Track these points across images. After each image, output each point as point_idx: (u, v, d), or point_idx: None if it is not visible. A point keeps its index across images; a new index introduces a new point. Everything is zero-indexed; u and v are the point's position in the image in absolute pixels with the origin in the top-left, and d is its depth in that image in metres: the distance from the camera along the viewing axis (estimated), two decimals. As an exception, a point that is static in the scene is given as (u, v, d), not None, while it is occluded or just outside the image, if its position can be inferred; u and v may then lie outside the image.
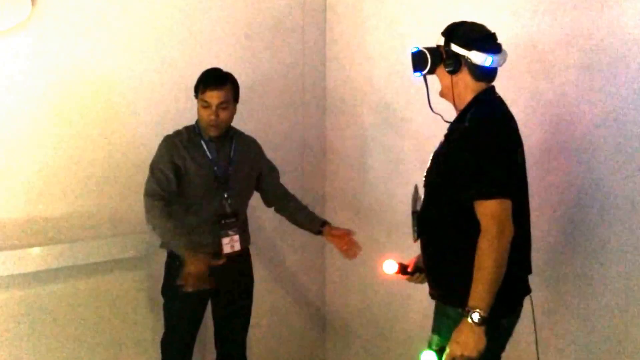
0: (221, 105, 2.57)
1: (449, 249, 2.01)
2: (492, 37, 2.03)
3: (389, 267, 2.27)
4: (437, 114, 2.13)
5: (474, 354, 1.86)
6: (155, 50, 2.98)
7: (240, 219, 2.73)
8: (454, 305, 1.97)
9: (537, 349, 2.17)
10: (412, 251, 2.29)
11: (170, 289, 2.66)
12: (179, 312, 2.73)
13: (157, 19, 2.98)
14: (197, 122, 2.67)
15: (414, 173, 2.23)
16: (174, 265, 2.70)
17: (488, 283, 1.84)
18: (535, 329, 2.17)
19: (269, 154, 2.92)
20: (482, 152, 1.89)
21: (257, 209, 3.02)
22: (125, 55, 2.90)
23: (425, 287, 2.18)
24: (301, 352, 3.68)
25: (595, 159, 2.41)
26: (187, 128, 2.69)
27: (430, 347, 2.01)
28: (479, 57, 1.97)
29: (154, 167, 2.62)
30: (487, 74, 2.02)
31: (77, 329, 2.79)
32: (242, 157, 2.74)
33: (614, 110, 2.34)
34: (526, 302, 2.09)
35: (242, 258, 2.80)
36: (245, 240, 2.78)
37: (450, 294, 2.02)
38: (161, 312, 2.76)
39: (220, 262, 2.57)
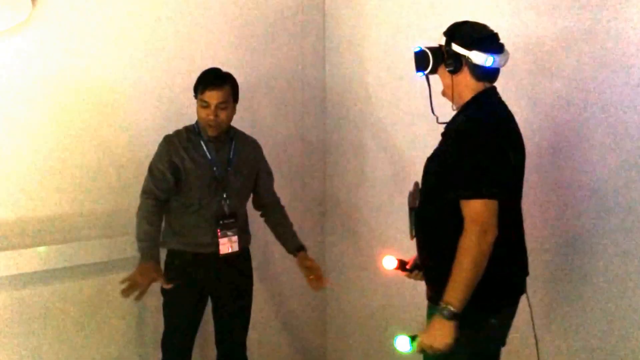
0: (220, 105, 2.57)
1: (441, 248, 2.01)
2: (493, 37, 2.02)
3: (389, 262, 2.31)
4: (435, 115, 2.13)
5: (441, 347, 1.89)
6: (155, 50, 2.98)
7: (240, 220, 2.73)
8: None
9: (537, 349, 2.16)
10: (412, 251, 2.29)
11: (170, 289, 2.65)
12: (178, 311, 2.73)
13: (157, 19, 2.98)
14: (197, 122, 2.67)
15: (414, 173, 2.23)
16: (172, 264, 2.71)
17: (463, 282, 1.86)
18: (534, 330, 2.17)
19: (269, 154, 2.92)
20: (471, 152, 1.90)
21: (258, 209, 3.02)
22: (125, 55, 2.90)
23: (425, 288, 2.18)
24: (301, 352, 3.68)
25: (595, 160, 2.40)
26: (186, 128, 2.70)
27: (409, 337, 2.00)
28: (479, 57, 1.97)
29: (152, 166, 2.64)
30: (488, 74, 2.02)
31: (76, 329, 2.79)
32: (242, 157, 2.74)
33: (614, 110, 2.34)
34: (525, 302, 2.10)
35: (242, 258, 2.80)
36: (244, 240, 2.78)
37: (439, 295, 2.01)
38: (161, 312, 2.77)
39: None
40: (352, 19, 3.45)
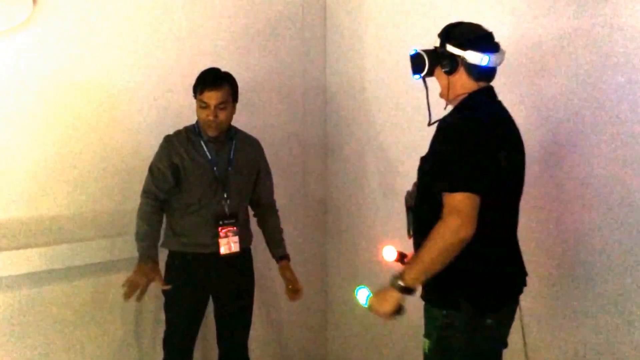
0: (219, 106, 2.56)
1: None
2: (488, 36, 2.03)
3: (389, 253, 2.34)
4: (430, 117, 2.12)
5: (380, 313, 1.96)
6: (156, 50, 2.98)
7: (240, 220, 2.73)
8: (439, 306, 1.99)
9: (525, 351, 2.15)
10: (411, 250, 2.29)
11: (171, 289, 2.65)
12: (179, 311, 2.73)
13: (157, 19, 2.98)
14: (197, 122, 2.67)
15: (415, 173, 2.23)
16: (173, 264, 2.71)
17: (425, 265, 1.88)
18: (522, 332, 2.17)
19: (270, 154, 2.91)
20: (455, 146, 1.89)
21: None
22: (126, 54, 2.90)
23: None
24: (302, 352, 3.68)
25: (595, 160, 2.40)
26: (187, 128, 2.70)
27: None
28: (475, 57, 1.97)
29: (152, 166, 2.65)
30: (484, 74, 2.02)
31: (76, 329, 2.79)
32: (242, 157, 2.74)
33: (613, 110, 2.33)
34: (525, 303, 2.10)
35: (243, 258, 2.80)
36: (245, 240, 2.78)
37: (434, 295, 2.03)
38: (160, 312, 2.77)
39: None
40: (353, 19, 3.45)
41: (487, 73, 2.03)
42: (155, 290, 2.71)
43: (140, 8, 2.93)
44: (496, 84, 2.09)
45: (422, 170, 2.07)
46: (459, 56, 1.99)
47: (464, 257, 1.91)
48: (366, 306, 2.03)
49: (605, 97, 2.36)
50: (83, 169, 2.82)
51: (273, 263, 2.88)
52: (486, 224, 1.91)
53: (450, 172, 1.88)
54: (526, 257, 2.14)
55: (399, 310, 1.95)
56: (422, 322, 2.07)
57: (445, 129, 1.96)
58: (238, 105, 2.68)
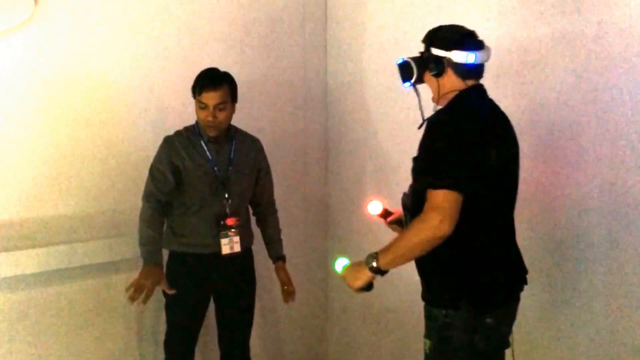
0: (218, 106, 2.56)
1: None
2: (471, 35, 2.04)
3: (374, 207, 2.40)
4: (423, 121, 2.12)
5: (350, 286, 2.04)
6: (156, 50, 2.98)
7: (241, 220, 2.73)
8: (438, 306, 1.99)
9: (512, 352, 2.15)
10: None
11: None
12: (181, 312, 2.73)
13: (157, 19, 2.98)
14: (196, 122, 2.67)
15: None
16: (174, 266, 2.71)
17: (400, 253, 1.92)
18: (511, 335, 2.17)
19: (270, 154, 2.91)
20: (439, 143, 1.90)
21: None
22: (127, 55, 2.90)
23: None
24: (302, 352, 3.68)
25: (592, 160, 2.40)
26: (187, 128, 2.69)
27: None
28: (460, 56, 1.98)
29: (153, 168, 2.64)
30: (472, 72, 2.02)
31: (76, 329, 2.79)
32: (242, 157, 2.73)
33: (610, 110, 2.34)
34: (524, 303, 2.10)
35: (244, 258, 2.79)
36: (246, 240, 2.77)
37: (433, 295, 2.03)
38: (161, 312, 2.76)
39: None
40: (353, 19, 3.45)
41: (475, 70, 2.03)
42: (156, 291, 2.71)
43: (141, 8, 2.93)
44: (490, 85, 2.09)
45: (414, 170, 2.08)
46: (445, 57, 2.00)
47: (464, 257, 1.91)
48: (340, 274, 2.12)
49: (602, 98, 2.36)
50: (83, 169, 2.82)
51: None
52: (483, 222, 1.91)
53: (434, 169, 1.89)
54: (526, 258, 2.14)
55: (368, 287, 2.03)
56: (422, 322, 2.07)
57: (432, 126, 1.97)
58: (238, 105, 2.68)
